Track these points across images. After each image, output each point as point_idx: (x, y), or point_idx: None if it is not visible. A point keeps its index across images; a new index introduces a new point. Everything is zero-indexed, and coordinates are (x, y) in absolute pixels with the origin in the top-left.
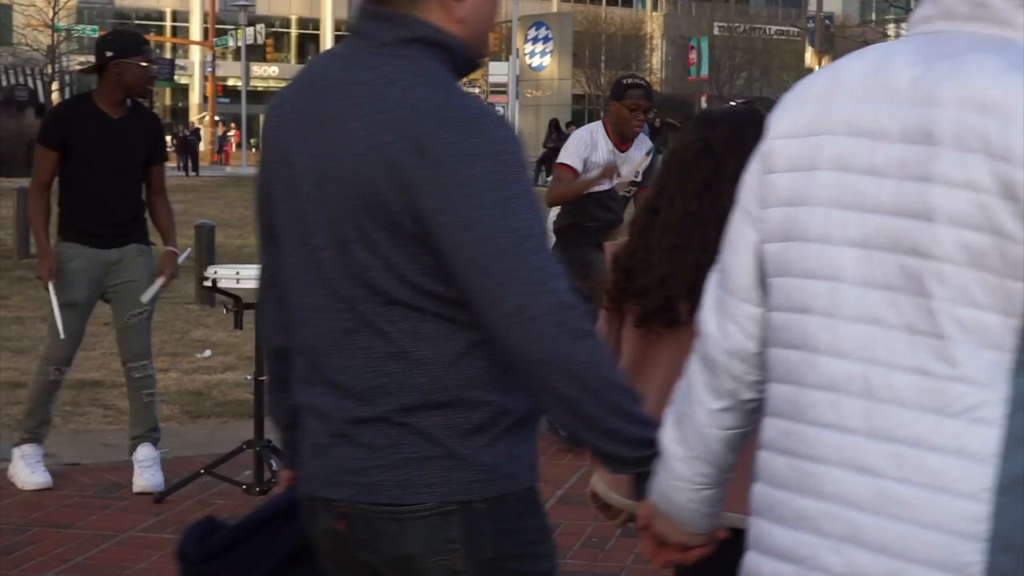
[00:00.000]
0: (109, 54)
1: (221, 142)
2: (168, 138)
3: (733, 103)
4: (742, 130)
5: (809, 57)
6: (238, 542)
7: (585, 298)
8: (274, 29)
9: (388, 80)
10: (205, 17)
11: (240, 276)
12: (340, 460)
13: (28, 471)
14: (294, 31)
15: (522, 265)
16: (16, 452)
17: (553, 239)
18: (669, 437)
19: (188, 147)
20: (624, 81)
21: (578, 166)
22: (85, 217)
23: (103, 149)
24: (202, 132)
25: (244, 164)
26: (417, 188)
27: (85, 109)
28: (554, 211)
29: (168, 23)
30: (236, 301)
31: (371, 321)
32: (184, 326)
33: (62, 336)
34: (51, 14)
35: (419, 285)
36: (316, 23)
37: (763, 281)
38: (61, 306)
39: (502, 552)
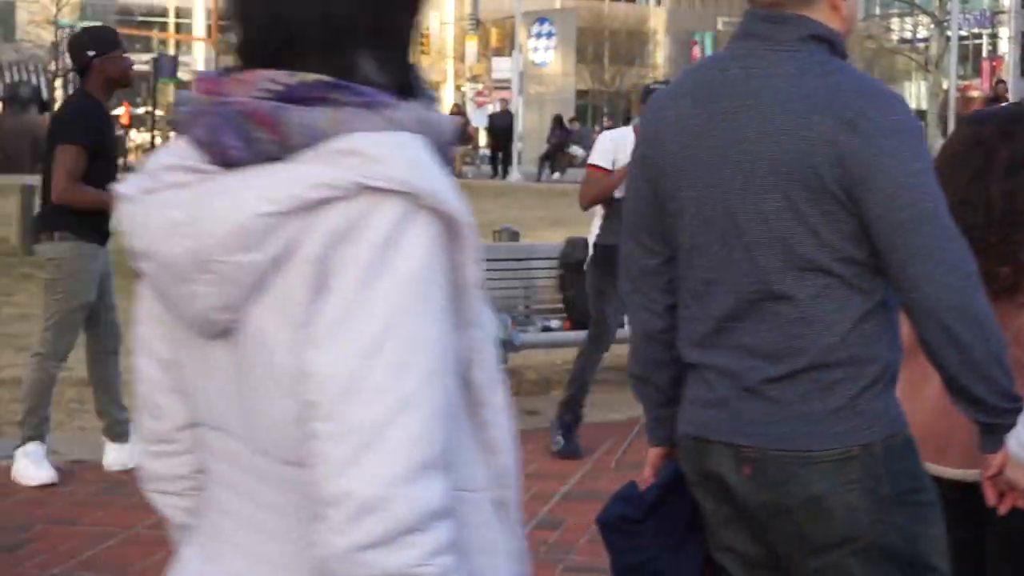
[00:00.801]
0: (91, 53)
1: None
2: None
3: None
4: (1011, 124)
5: None
6: (660, 502)
7: (598, 321)
8: None
9: (802, 70)
10: (208, 14)
11: None
12: (749, 412)
13: (34, 467)
14: None
15: (941, 225)
16: (20, 451)
17: (590, 251)
18: None
19: None
20: (651, 87)
21: (608, 166)
22: (101, 216)
23: (113, 146)
24: None
25: None
26: (851, 159)
27: (97, 108)
28: (595, 224)
29: (171, 20)
30: None
31: (784, 288)
32: None
33: None
34: (55, 11)
35: (836, 248)
36: None
37: None
38: (74, 309)
39: (897, 489)
